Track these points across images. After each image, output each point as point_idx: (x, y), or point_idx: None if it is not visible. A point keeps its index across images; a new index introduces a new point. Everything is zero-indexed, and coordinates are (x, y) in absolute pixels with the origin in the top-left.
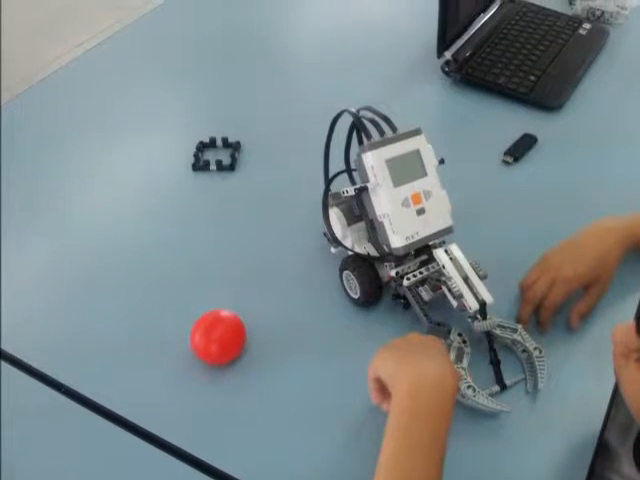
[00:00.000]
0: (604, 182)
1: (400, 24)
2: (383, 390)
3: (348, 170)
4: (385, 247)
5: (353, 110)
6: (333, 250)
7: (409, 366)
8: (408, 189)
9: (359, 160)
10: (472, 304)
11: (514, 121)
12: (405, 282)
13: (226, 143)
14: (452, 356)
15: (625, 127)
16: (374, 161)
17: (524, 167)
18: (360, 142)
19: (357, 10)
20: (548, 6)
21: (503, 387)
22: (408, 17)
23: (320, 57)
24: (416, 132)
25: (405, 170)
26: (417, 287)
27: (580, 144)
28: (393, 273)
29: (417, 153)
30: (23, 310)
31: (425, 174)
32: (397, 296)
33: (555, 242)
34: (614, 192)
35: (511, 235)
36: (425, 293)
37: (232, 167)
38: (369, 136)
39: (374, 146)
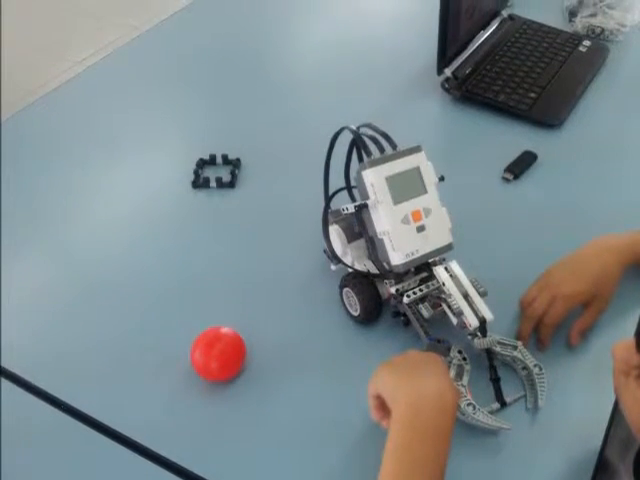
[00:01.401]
0: (604, 199)
1: (400, 41)
2: (383, 407)
3: (348, 187)
4: (385, 264)
5: (353, 127)
6: (333, 267)
7: (409, 383)
8: (408, 206)
9: (359, 177)
10: (472, 321)
11: (514, 138)
12: (405, 299)
13: (226, 160)
14: (452, 373)
15: (625, 144)
16: (374, 178)
17: (524, 184)
18: (360, 159)
19: (357, 27)
20: (548, 23)
21: (503, 404)
22: (408, 34)
23: (320, 74)
24: (416, 149)
25: (405, 187)
26: (417, 304)
27: (580, 161)
28: (393, 290)
29: (417, 170)
30: (23, 327)
31: (425, 191)
32: (397, 313)
33: (555, 259)
34: (614, 209)
35: (511, 252)
36: (425, 310)
37: (232, 184)
38: (369, 153)
39: (374, 163)
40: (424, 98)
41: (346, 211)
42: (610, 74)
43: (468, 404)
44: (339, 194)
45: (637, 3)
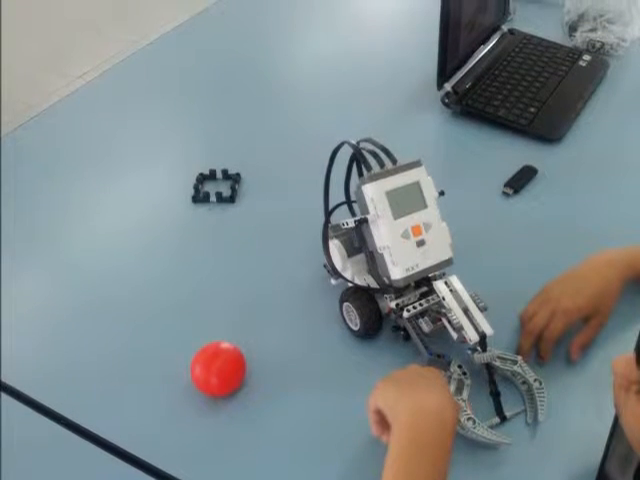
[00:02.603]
0: (604, 214)
1: (400, 56)
2: (383, 422)
3: (348, 202)
4: (385, 279)
5: (353, 142)
6: (333, 282)
7: (409, 398)
8: (408, 221)
9: (359, 192)
10: (472, 336)
11: (514, 153)
12: (405, 314)
13: (226, 175)
14: (452, 388)
15: (625, 159)
16: (374, 193)
17: (524, 199)
18: (360, 174)
19: (357, 42)
20: (548, 38)
21: (503, 419)
22: (408, 49)
23: (320, 89)
24: (416, 164)
25: (405, 202)
26: (417, 319)
27: (580, 176)
28: (393, 305)
29: (417, 185)
30: (23, 342)
31: (425, 206)
32: (397, 328)
33: (555, 274)
34: (614, 224)
35: (511, 267)
36: (425, 325)
37: (232, 199)
38: (369, 168)
39: (374, 178)
40: (424, 113)
41: (346, 226)
42: (610, 89)
43: (468, 419)
44: (339, 209)
45: (637, 18)
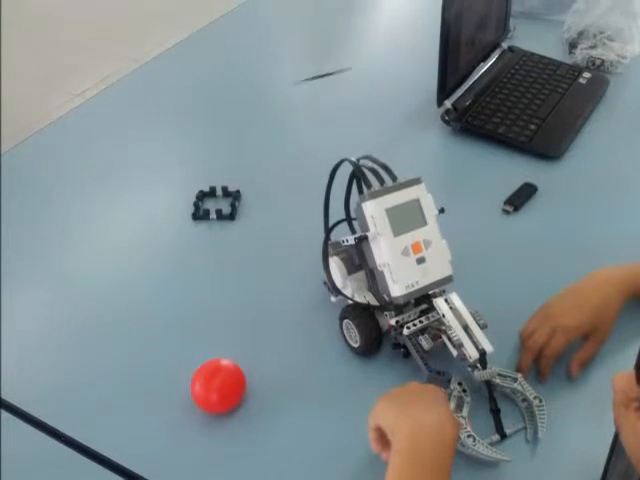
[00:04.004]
0: (604, 231)
1: (400, 73)
2: (383, 439)
3: (348, 219)
4: (385, 296)
5: (353, 159)
6: (333, 299)
7: (409, 415)
8: (408, 238)
9: (359, 209)
10: (472, 353)
11: (514, 170)
12: (405, 331)
13: (226, 192)
14: (452, 405)
15: (625, 176)
16: (374, 210)
17: (524, 216)
18: (360, 191)
19: (357, 58)
20: (548, 55)
21: (503, 436)
22: (408, 66)
23: (320, 106)
24: (416, 181)
25: (405, 219)
26: (417, 336)
27: (580, 193)
28: (393, 322)
29: (417, 202)
30: (23, 359)
31: (425, 223)
32: (397, 345)
33: (555, 291)
34: (614, 241)
35: (511, 284)
36: (425, 342)
37: (232, 216)
38: (369, 185)
39: (374, 195)
40: (424, 130)
41: (346, 243)
42: (610, 106)
43: (468, 436)
44: (339, 226)
45: (637, 35)
